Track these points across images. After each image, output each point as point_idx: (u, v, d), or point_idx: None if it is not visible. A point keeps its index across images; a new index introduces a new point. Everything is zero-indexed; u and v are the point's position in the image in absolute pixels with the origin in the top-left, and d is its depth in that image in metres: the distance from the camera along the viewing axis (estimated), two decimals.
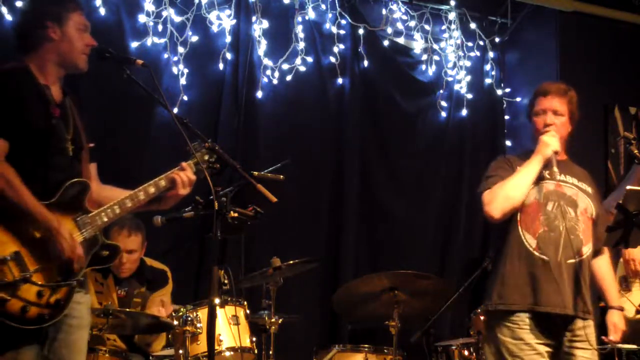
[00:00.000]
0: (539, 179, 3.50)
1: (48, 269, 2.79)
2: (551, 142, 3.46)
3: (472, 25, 6.39)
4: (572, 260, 3.46)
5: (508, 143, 6.53)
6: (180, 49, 5.37)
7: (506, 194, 3.41)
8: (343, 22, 5.96)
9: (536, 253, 3.40)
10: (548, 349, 3.37)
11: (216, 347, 3.92)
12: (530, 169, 3.45)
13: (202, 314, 4.05)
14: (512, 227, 3.47)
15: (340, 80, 5.94)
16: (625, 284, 4.54)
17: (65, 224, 2.85)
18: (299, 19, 5.81)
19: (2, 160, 2.76)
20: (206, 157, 3.11)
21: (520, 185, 3.42)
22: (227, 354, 4.04)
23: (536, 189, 3.48)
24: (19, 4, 4.94)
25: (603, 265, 3.67)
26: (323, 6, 5.92)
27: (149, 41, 5.31)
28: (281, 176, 3.79)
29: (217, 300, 2.74)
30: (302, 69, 5.78)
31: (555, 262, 3.40)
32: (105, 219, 2.97)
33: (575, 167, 3.68)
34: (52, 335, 2.88)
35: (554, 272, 3.39)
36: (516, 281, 3.39)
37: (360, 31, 6.00)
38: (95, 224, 2.94)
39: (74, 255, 2.83)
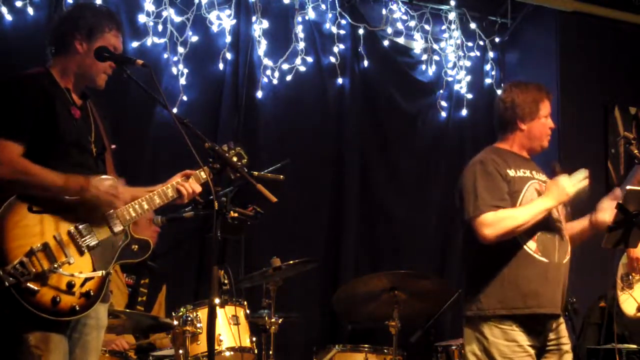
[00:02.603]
0: (528, 179, 3.48)
1: (78, 260, 2.83)
2: (572, 191, 3.40)
3: (472, 25, 6.39)
4: (565, 260, 3.47)
5: None
6: (180, 49, 5.38)
7: (513, 229, 3.31)
8: (343, 22, 5.97)
9: (536, 256, 3.37)
10: (534, 350, 3.38)
11: (216, 347, 3.92)
12: (542, 212, 3.35)
13: (202, 314, 4.04)
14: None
15: (340, 80, 5.94)
16: (627, 282, 4.54)
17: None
18: (299, 19, 5.81)
19: (18, 158, 2.79)
20: (235, 159, 3.17)
21: (529, 224, 3.34)
22: (227, 354, 4.04)
23: (531, 190, 3.44)
24: (19, 4, 4.95)
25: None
26: (323, 6, 5.92)
27: (149, 41, 5.31)
28: (281, 176, 3.79)
29: (217, 300, 2.74)
30: (302, 69, 5.78)
31: (554, 263, 3.40)
32: (133, 214, 3.00)
33: (536, 164, 3.64)
34: (68, 333, 2.89)
35: (552, 273, 3.38)
36: (518, 286, 3.34)
37: (360, 31, 6.01)
38: (123, 218, 2.97)
39: (114, 192, 2.88)
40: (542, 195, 3.42)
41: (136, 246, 3.03)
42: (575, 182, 3.43)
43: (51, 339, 2.78)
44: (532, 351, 3.35)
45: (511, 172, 3.46)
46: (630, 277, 4.53)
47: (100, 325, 3.02)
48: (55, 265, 2.76)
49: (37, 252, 2.73)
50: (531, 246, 3.38)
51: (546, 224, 3.41)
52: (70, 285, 2.78)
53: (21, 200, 2.77)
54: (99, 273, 2.88)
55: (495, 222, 3.31)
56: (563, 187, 3.39)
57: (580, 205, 3.60)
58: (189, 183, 3.13)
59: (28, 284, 2.68)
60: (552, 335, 3.44)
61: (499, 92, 6.48)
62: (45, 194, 2.79)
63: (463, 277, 3.63)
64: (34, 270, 2.70)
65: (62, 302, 2.75)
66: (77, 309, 2.80)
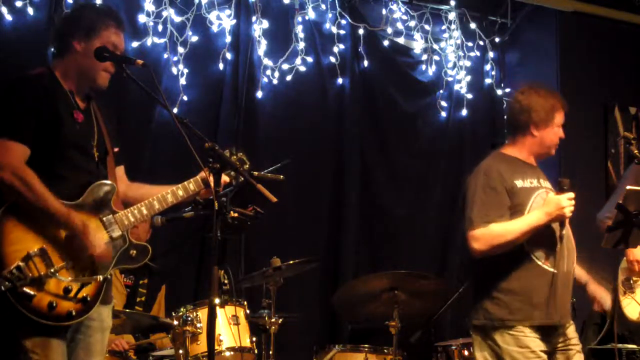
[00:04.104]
0: (535, 189, 3.45)
1: (75, 265, 2.82)
2: (569, 213, 3.35)
3: (472, 25, 6.39)
4: (572, 269, 3.46)
5: None
6: (180, 49, 5.37)
7: (501, 245, 3.29)
8: (343, 22, 5.96)
9: (545, 266, 3.35)
10: (545, 355, 3.37)
11: (216, 347, 3.92)
12: (533, 227, 3.30)
13: (202, 314, 4.05)
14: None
15: (340, 80, 5.94)
16: (628, 285, 4.53)
17: (90, 223, 2.87)
18: (299, 19, 5.81)
19: (22, 164, 2.78)
20: (237, 164, 3.17)
21: (519, 240, 3.31)
22: (227, 354, 4.04)
23: (538, 201, 3.41)
24: (19, 4, 4.95)
25: None
26: (323, 6, 5.91)
27: (149, 41, 5.31)
28: (281, 176, 3.78)
29: (217, 300, 2.73)
30: (302, 69, 5.78)
31: (562, 273, 3.38)
32: (132, 219, 3.00)
33: (542, 171, 3.61)
34: (71, 335, 2.89)
35: (560, 283, 3.37)
36: (526, 297, 3.33)
37: (360, 31, 6.00)
38: (122, 224, 2.97)
39: (96, 253, 2.84)
40: (537, 209, 3.36)
41: (134, 251, 3.01)
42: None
43: (48, 344, 2.77)
44: (544, 356, 3.34)
45: (518, 183, 3.42)
46: (631, 281, 4.52)
47: (104, 327, 3.01)
48: (52, 270, 2.75)
49: (33, 257, 2.72)
50: (539, 256, 3.36)
51: (555, 234, 3.39)
52: (67, 290, 2.77)
53: (19, 205, 2.76)
54: (97, 278, 2.88)
55: (484, 237, 3.31)
56: (562, 206, 3.32)
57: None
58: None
59: (24, 289, 2.67)
60: (561, 339, 3.43)
61: (499, 92, 6.53)
62: (36, 211, 2.76)
63: (471, 283, 3.61)
64: (30, 275, 2.69)
65: (59, 307, 2.74)
66: (74, 314, 2.79)
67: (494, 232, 3.31)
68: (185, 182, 3.15)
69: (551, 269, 3.36)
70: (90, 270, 2.87)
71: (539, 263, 3.36)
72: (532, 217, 3.35)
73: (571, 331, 3.47)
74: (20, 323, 2.71)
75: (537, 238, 3.35)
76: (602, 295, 3.65)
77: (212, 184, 2.81)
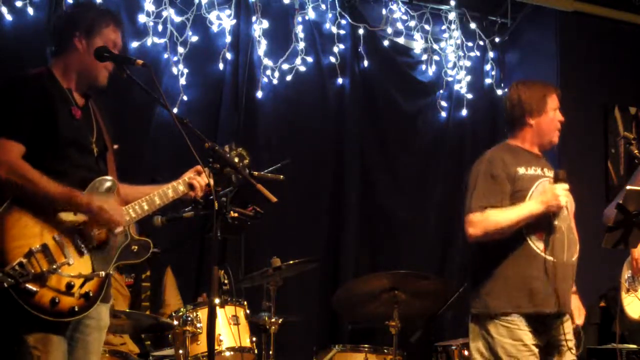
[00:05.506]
0: (538, 177, 3.47)
1: (77, 261, 2.82)
2: (564, 202, 3.37)
3: (472, 25, 6.39)
4: (573, 259, 3.47)
5: None
6: (180, 49, 5.37)
7: (496, 231, 3.33)
8: (343, 22, 5.96)
9: (544, 255, 3.37)
10: (537, 349, 3.39)
11: (216, 347, 3.92)
12: (529, 216, 3.34)
13: (202, 314, 4.04)
14: (514, 230, 3.39)
15: (340, 80, 5.94)
16: (632, 284, 4.52)
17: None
18: (299, 19, 5.81)
19: (18, 160, 2.79)
20: (237, 159, 3.18)
21: (514, 227, 3.34)
22: (227, 354, 4.04)
23: (540, 189, 3.43)
24: (19, 4, 4.95)
25: None
26: (323, 6, 5.92)
27: (149, 41, 5.31)
28: (281, 176, 3.79)
29: (217, 300, 2.74)
30: (302, 69, 5.78)
31: (562, 263, 3.39)
32: (134, 215, 3.01)
33: (547, 162, 3.63)
34: (70, 334, 2.90)
35: (560, 273, 3.38)
36: (524, 285, 3.36)
37: (360, 31, 6.01)
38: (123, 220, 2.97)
39: (114, 219, 2.88)
40: (534, 199, 3.40)
41: (136, 247, 3.02)
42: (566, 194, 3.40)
43: (50, 340, 2.78)
44: (536, 350, 3.37)
45: (521, 170, 3.45)
46: (635, 279, 4.50)
47: (101, 326, 3.02)
48: (55, 266, 2.75)
49: (36, 253, 2.72)
50: (539, 245, 3.39)
51: (552, 223, 3.40)
52: (69, 286, 2.77)
53: (21, 201, 2.77)
54: (99, 274, 2.88)
55: (480, 222, 3.36)
56: (557, 196, 3.35)
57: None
58: (201, 177, 3.15)
59: (27, 285, 2.68)
60: (555, 334, 3.44)
61: (499, 92, 6.52)
62: (38, 201, 2.77)
63: (469, 273, 3.63)
64: (32, 271, 2.70)
65: (61, 303, 2.75)
66: (76, 309, 2.80)
67: (489, 218, 3.35)
68: (186, 177, 3.16)
69: (550, 258, 3.37)
70: (97, 253, 2.88)
71: (538, 252, 3.38)
72: (528, 206, 3.38)
73: (567, 326, 3.48)
74: (23, 319, 2.71)
75: (536, 227, 3.38)
76: (577, 307, 3.65)
77: (212, 183, 2.82)
